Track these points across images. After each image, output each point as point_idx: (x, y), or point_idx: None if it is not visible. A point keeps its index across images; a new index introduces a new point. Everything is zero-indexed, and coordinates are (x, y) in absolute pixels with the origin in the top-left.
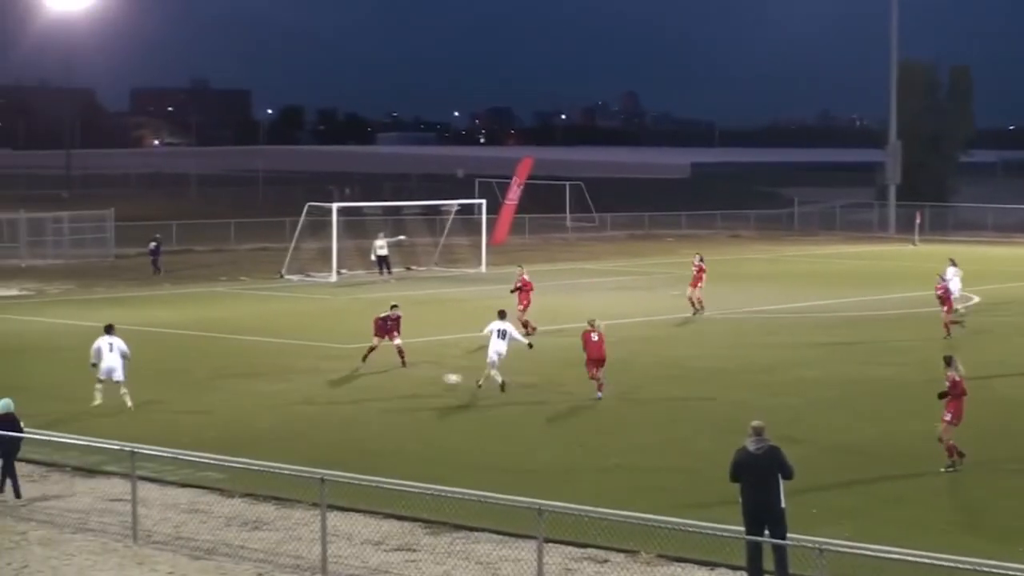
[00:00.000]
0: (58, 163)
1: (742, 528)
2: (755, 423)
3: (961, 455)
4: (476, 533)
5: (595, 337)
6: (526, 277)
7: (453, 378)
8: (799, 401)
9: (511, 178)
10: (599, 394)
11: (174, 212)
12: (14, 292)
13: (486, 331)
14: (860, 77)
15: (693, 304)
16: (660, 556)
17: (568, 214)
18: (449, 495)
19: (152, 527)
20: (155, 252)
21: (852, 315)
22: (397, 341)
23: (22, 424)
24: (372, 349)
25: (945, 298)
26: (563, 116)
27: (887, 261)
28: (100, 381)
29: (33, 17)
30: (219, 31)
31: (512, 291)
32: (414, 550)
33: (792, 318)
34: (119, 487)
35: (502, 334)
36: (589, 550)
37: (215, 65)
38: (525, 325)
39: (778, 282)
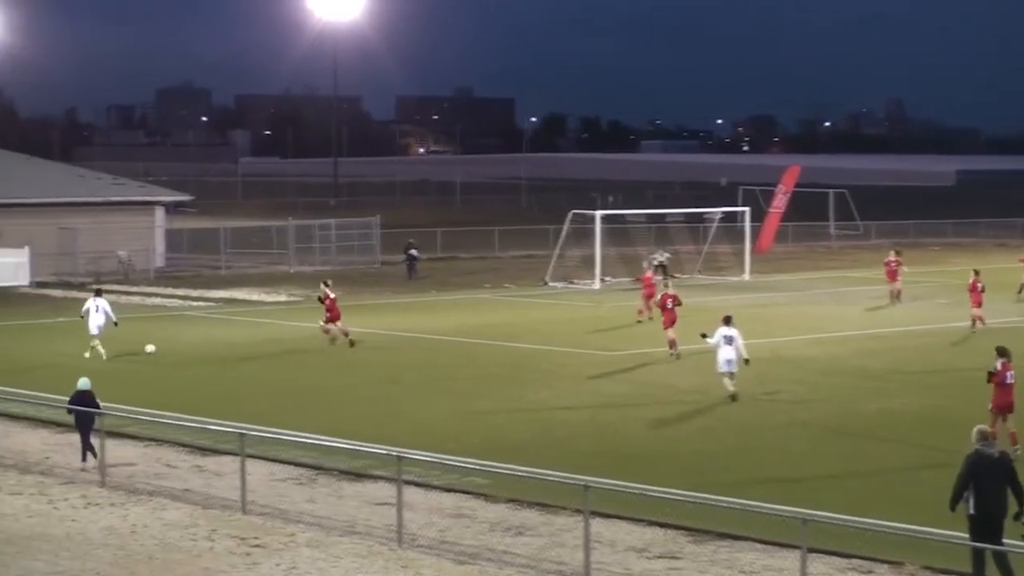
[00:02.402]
0: (326, 171)
1: (1012, 541)
2: (983, 427)
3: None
4: (740, 542)
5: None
6: (330, 293)
7: (150, 348)
8: None
9: (774, 186)
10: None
11: (439, 219)
12: (283, 298)
13: (714, 341)
14: None
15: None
16: (925, 568)
17: (832, 222)
18: (713, 503)
19: (417, 531)
20: (414, 257)
21: None
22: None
23: (98, 401)
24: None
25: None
26: (827, 123)
27: None
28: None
29: (302, 28)
30: (483, 40)
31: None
32: (677, 558)
33: None
34: (385, 491)
35: (729, 340)
36: (853, 561)
37: (479, 74)
38: (330, 333)
39: None
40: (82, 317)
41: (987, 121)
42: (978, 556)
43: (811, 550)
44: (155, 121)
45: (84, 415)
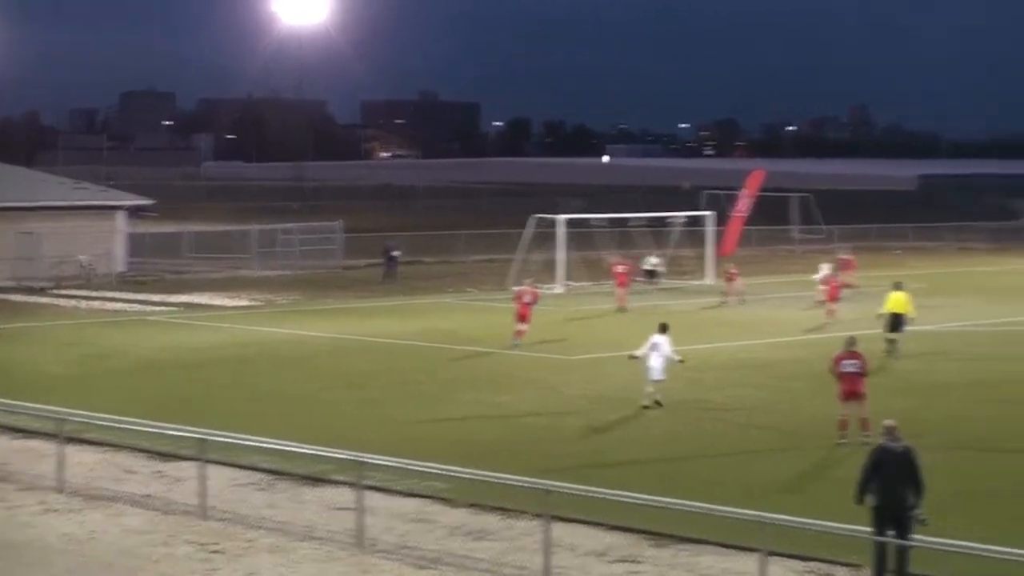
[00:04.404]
0: (290, 175)
1: (972, 543)
2: (888, 422)
3: (843, 430)
4: (700, 545)
5: None
6: None
7: None
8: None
9: (738, 190)
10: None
11: (402, 224)
12: (244, 302)
13: (642, 351)
14: None
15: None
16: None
17: (795, 226)
18: (674, 507)
19: (378, 536)
20: (393, 259)
21: None
22: None
23: None
24: None
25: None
26: (791, 128)
27: None
28: None
29: (267, 31)
30: (448, 44)
31: None
32: (638, 562)
33: None
34: (345, 496)
35: (654, 347)
36: (812, 564)
37: (444, 78)
38: None
39: (1012, 295)
40: None
41: (949, 126)
42: (880, 549)
43: (771, 553)
44: (118, 125)
45: None
